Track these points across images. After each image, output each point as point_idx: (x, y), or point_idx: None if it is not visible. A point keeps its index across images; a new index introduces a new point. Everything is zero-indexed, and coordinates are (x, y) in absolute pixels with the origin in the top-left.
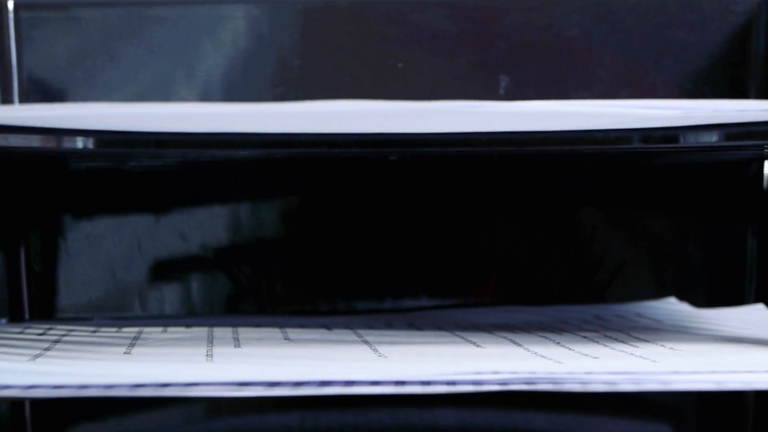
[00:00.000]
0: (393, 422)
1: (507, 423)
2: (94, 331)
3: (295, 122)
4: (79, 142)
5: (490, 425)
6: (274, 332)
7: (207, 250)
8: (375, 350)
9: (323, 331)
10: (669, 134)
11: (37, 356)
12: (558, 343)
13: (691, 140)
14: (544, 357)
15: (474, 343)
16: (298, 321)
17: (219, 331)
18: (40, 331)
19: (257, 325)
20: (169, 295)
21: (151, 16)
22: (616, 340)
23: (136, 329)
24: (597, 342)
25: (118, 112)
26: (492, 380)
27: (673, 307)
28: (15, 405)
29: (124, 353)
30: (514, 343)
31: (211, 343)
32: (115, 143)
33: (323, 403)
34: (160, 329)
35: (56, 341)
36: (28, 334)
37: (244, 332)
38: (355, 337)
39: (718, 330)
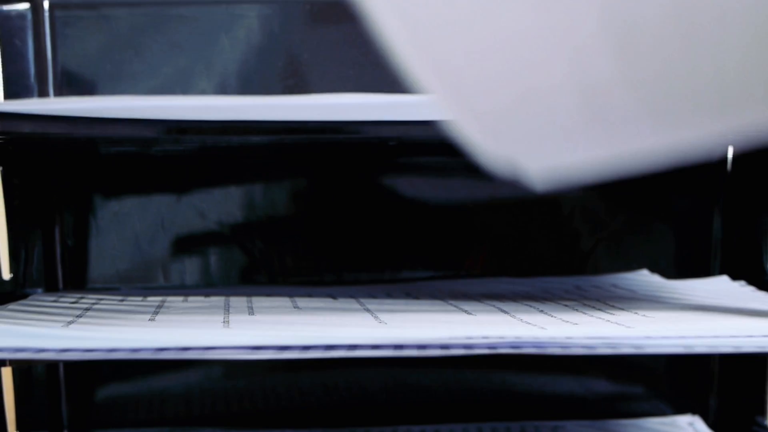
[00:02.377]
0: (390, 380)
1: (489, 382)
2: (122, 300)
3: (303, 111)
4: (108, 129)
5: (475, 384)
6: (285, 301)
7: (223, 227)
8: (376, 317)
9: (329, 299)
10: None
11: (70, 323)
12: (541, 311)
13: None
14: (529, 323)
15: (465, 311)
16: (306, 290)
17: (234, 300)
18: (73, 300)
19: (269, 295)
20: (190, 267)
21: (173, 14)
22: (594, 308)
23: (159, 298)
24: (577, 310)
25: (144, 103)
26: (481, 344)
27: (645, 278)
28: (50, 366)
29: (149, 320)
30: (502, 311)
31: (228, 310)
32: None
33: (328, 365)
34: (181, 298)
35: (87, 309)
36: (62, 302)
37: (257, 301)
38: (357, 306)
39: (687, 299)
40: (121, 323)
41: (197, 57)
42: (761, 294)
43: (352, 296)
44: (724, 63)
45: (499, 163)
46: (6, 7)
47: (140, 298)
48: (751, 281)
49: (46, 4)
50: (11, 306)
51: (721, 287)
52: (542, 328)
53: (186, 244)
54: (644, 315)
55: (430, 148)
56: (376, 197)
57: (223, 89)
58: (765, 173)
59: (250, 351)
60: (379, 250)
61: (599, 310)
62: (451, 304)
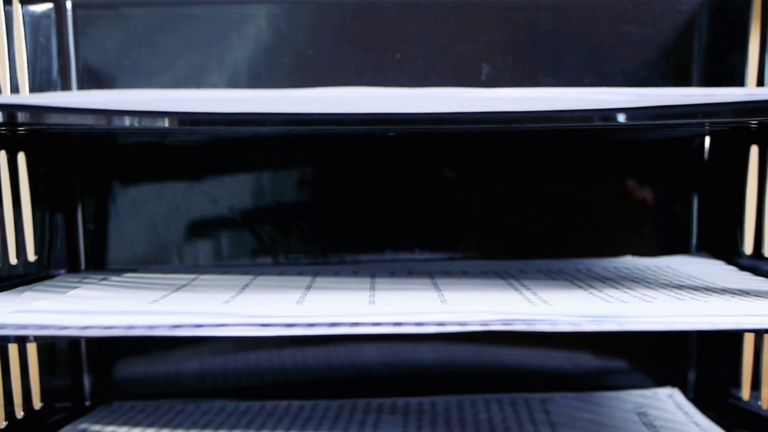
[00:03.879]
0: (389, 355)
1: (482, 357)
2: (140, 280)
3: (309, 104)
4: (127, 121)
5: (469, 359)
6: (291, 281)
7: (234, 212)
8: (374, 296)
9: (333, 279)
10: (625, 114)
11: (93, 301)
12: (531, 290)
13: (644, 119)
14: (519, 302)
15: (460, 290)
16: (312, 270)
17: (244, 280)
18: (96, 281)
19: (277, 275)
20: (203, 249)
21: (187, 13)
22: (581, 288)
23: (174, 278)
24: (565, 289)
25: (159, 97)
26: (475, 321)
27: (630, 261)
28: (72, 342)
29: (162, 297)
30: (495, 290)
31: (238, 290)
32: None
33: (332, 340)
34: (193, 277)
35: (108, 288)
36: (86, 283)
37: (265, 280)
38: (359, 285)
39: (667, 279)
40: (140, 302)
41: (209, 53)
42: (736, 271)
43: (355, 274)
44: None
45: None
46: (31, 7)
47: (156, 278)
48: (726, 260)
49: (68, 4)
50: (37, 286)
51: (700, 267)
52: (533, 305)
53: (199, 228)
54: (629, 294)
55: (427, 139)
56: (377, 185)
57: (233, 83)
58: (739, 161)
59: (259, 328)
60: (379, 234)
61: (585, 290)
62: (446, 284)
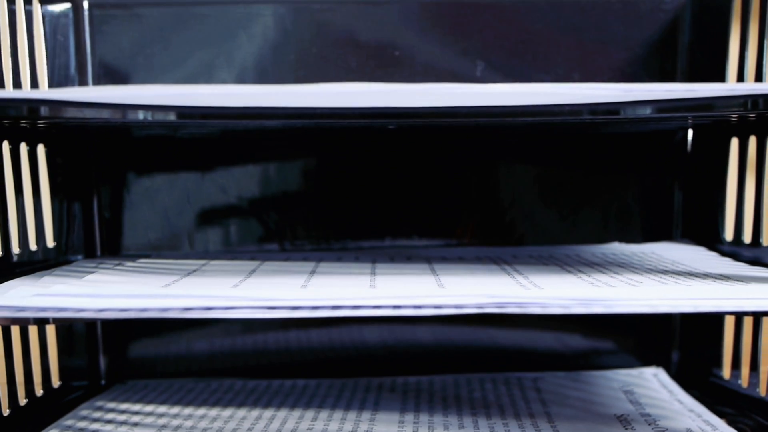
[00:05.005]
0: (389, 336)
1: (477, 338)
2: (153, 265)
3: (313, 99)
4: (140, 115)
5: (465, 340)
6: (296, 266)
7: (242, 201)
8: (375, 280)
9: (336, 264)
10: (612, 108)
11: (109, 285)
12: (523, 275)
13: (630, 113)
14: (512, 286)
15: (456, 275)
16: (316, 256)
17: (252, 265)
18: (111, 266)
19: (283, 260)
20: (212, 236)
21: (197, 13)
22: (571, 273)
23: (186, 263)
24: (555, 274)
25: (171, 91)
26: (470, 304)
27: (617, 247)
28: (89, 324)
29: (174, 282)
30: (489, 274)
31: (246, 275)
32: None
33: (335, 322)
34: (204, 262)
35: (123, 273)
36: (102, 268)
37: (272, 266)
38: (361, 270)
39: (653, 264)
40: (153, 285)
41: (219, 51)
42: (717, 257)
43: (357, 260)
44: None
45: None
46: (50, 7)
47: (168, 264)
48: (708, 247)
49: (85, 4)
50: (55, 271)
51: (682, 253)
52: (525, 288)
53: (209, 216)
54: (616, 278)
55: (425, 132)
56: (377, 175)
57: (241, 79)
58: (720, 153)
59: (266, 311)
60: (379, 221)
61: (575, 274)
62: (443, 269)
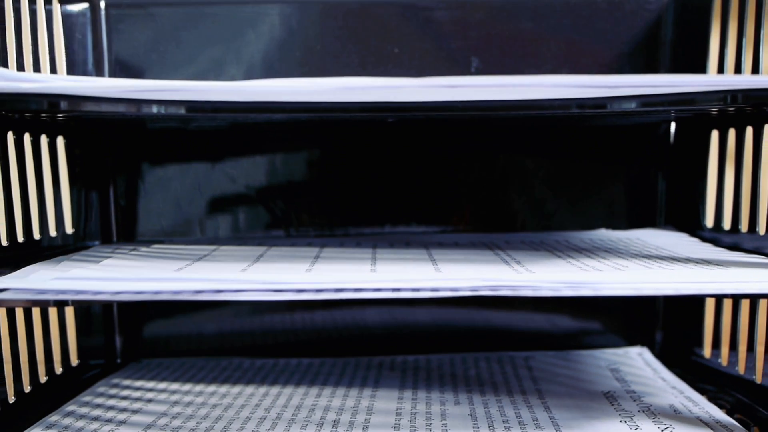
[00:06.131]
0: (389, 318)
1: (472, 319)
2: (166, 250)
3: (317, 93)
4: (154, 108)
5: (460, 321)
6: (301, 251)
7: (250, 189)
8: (375, 265)
9: (338, 249)
10: (599, 102)
11: (125, 269)
12: (516, 259)
13: (616, 107)
14: (505, 270)
15: (452, 259)
16: (319, 241)
17: (259, 250)
18: (126, 251)
19: (288, 246)
20: (222, 223)
21: (208, 12)
22: (561, 257)
23: (197, 249)
24: (546, 258)
25: (183, 86)
26: (466, 287)
27: (604, 233)
28: (106, 306)
29: (186, 266)
30: (483, 259)
31: (254, 259)
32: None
33: (337, 304)
34: (214, 248)
35: (139, 258)
36: (118, 253)
37: (278, 251)
38: (362, 255)
39: (638, 249)
40: (166, 269)
41: (228, 48)
42: (698, 242)
43: (359, 245)
44: None
45: None
46: (69, 7)
47: (181, 249)
48: (690, 233)
49: (102, 4)
50: (74, 256)
51: (666, 239)
52: (517, 272)
53: (218, 204)
54: (603, 263)
55: (422, 124)
56: (377, 165)
57: (249, 75)
58: (701, 144)
59: (273, 293)
60: (379, 209)
61: (563, 259)
62: (441, 253)
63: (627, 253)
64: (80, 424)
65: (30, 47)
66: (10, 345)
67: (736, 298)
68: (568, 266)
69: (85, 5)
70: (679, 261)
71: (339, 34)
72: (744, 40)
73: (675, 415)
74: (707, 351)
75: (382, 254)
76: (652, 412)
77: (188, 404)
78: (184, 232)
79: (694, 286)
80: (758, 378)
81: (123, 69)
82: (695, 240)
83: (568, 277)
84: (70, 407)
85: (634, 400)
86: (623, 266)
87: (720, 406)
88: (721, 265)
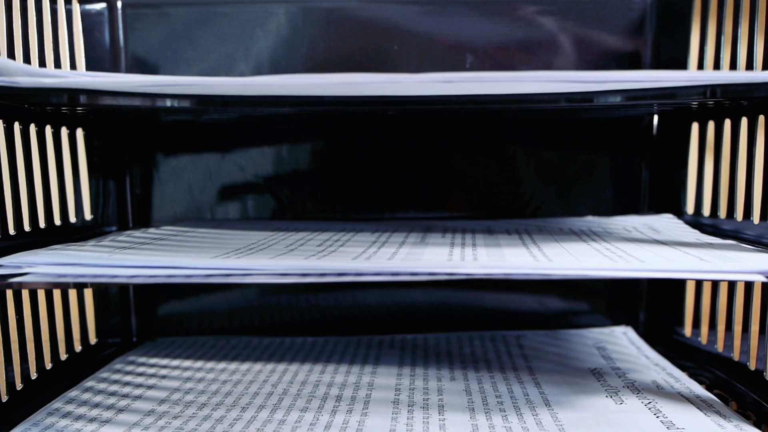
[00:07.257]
0: (389, 299)
1: (466, 300)
2: (178, 236)
3: (321, 88)
4: (168, 102)
5: (455, 302)
6: (306, 236)
7: (258, 178)
8: (377, 249)
9: (341, 234)
10: (586, 96)
11: (139, 251)
12: (508, 245)
13: (602, 100)
14: (497, 255)
15: (449, 245)
16: (323, 226)
17: (267, 235)
18: (142, 236)
19: (293, 230)
20: (232, 210)
21: (219, 12)
22: (548, 243)
23: (207, 232)
24: (535, 244)
25: (195, 82)
26: (461, 272)
27: (591, 220)
28: (122, 287)
29: (197, 248)
30: (476, 245)
31: (263, 244)
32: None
33: (340, 287)
34: (223, 232)
35: (152, 242)
36: (134, 238)
37: (284, 236)
38: (363, 240)
39: (624, 234)
40: (179, 254)
41: (237, 46)
42: (681, 224)
43: (362, 230)
44: None
45: None
46: (88, 6)
47: (192, 234)
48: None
49: (119, 4)
50: (92, 240)
51: (653, 224)
52: (510, 257)
53: (229, 192)
54: (592, 248)
55: (421, 117)
56: (378, 155)
57: (258, 71)
58: (682, 136)
59: (279, 276)
60: (380, 196)
61: (551, 244)
62: (442, 238)
63: (612, 237)
64: (98, 398)
65: (51, 44)
66: (32, 324)
67: (715, 281)
68: (560, 249)
69: (102, 5)
70: (663, 244)
71: (342, 32)
72: (723, 37)
73: (658, 390)
74: (688, 330)
75: (381, 239)
76: (636, 387)
77: (200, 380)
78: (196, 219)
79: (675, 269)
80: (736, 355)
81: (138, 65)
82: (678, 222)
83: (558, 261)
84: (89, 383)
85: (619, 377)
86: (609, 250)
87: (700, 382)
88: (701, 249)
